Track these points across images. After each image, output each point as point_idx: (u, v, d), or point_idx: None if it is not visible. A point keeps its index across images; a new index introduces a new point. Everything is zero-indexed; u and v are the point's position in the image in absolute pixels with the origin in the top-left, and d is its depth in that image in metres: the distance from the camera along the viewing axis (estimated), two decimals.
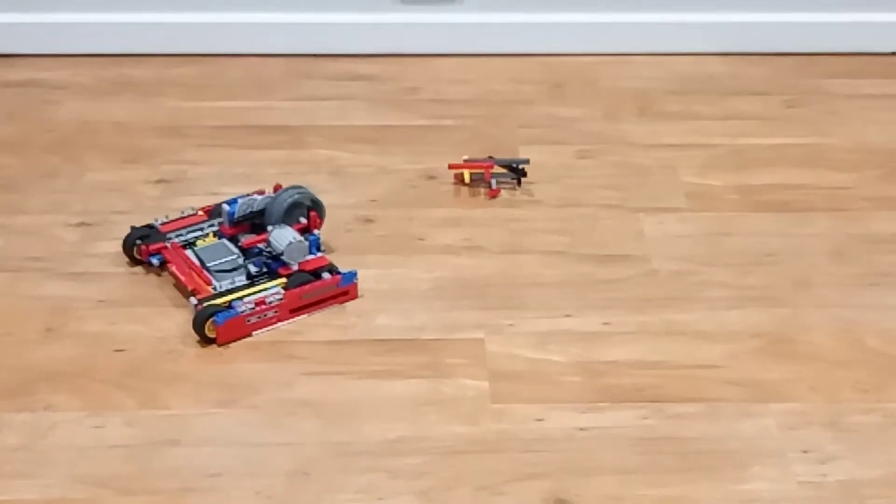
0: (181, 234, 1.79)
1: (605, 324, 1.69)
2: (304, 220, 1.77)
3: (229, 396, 1.57)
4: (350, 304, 1.71)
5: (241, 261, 1.73)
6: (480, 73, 2.29)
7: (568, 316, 1.70)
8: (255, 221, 1.78)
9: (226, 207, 1.78)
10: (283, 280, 1.69)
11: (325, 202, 1.91)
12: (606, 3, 2.32)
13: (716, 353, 1.64)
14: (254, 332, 1.66)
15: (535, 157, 2.03)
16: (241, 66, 2.31)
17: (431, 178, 1.99)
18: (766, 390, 1.58)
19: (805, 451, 1.49)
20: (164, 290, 1.73)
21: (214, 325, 1.63)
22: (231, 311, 1.63)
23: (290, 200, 1.75)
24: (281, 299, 1.66)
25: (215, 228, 1.80)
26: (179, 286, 1.73)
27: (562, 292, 1.74)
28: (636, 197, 1.95)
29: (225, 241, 1.77)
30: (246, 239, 1.75)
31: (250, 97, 2.22)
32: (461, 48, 2.33)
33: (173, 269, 1.73)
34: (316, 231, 1.76)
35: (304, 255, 1.71)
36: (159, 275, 1.76)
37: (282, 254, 1.70)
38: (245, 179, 1.97)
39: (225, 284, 1.69)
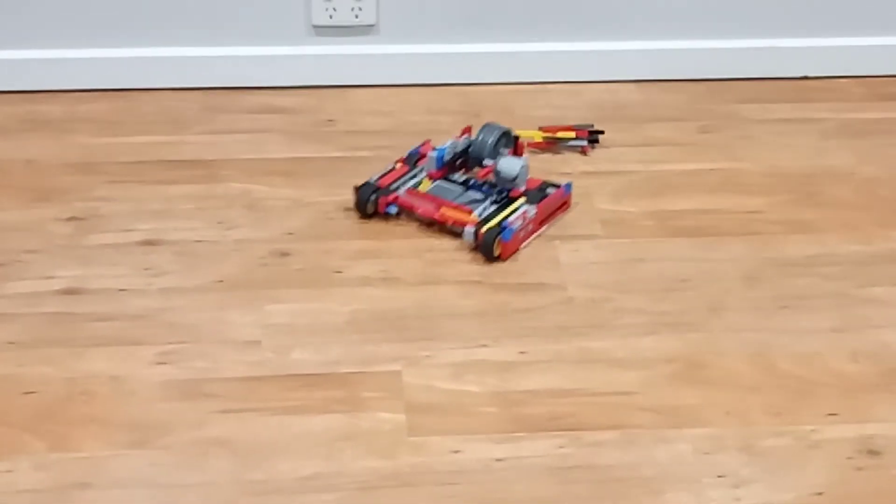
0: (403, 183, 1.98)
1: (521, 353, 1.69)
2: (511, 149, 1.99)
3: (141, 437, 1.54)
4: (265, 339, 1.70)
5: (475, 193, 1.96)
6: (397, 103, 2.29)
7: (484, 346, 1.70)
8: (458, 161, 2.01)
9: (433, 154, 1.99)
10: (524, 199, 1.92)
11: (240, 237, 1.91)
12: (521, 32, 2.33)
13: (631, 380, 1.64)
14: (521, 246, 1.88)
15: None
16: (155, 101, 2.29)
17: (348, 209, 1.99)
18: (680, 416, 1.59)
19: (719, 476, 1.50)
20: (75, 331, 1.71)
21: (501, 243, 1.84)
22: (510, 229, 1.85)
23: (495, 135, 1.98)
24: (535, 213, 1.90)
25: (424, 175, 1.99)
26: (421, 227, 1.92)
27: (478, 322, 1.75)
28: (552, 225, 1.96)
29: (441, 182, 1.98)
30: (480, 171, 2.00)
31: (164, 132, 2.20)
32: (377, 79, 2.33)
33: (419, 211, 1.92)
34: (525, 156, 1.98)
35: (527, 177, 1.96)
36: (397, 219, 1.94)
37: (514, 178, 1.93)
38: (159, 215, 1.96)
39: (484, 212, 1.90)
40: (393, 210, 1.94)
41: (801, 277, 1.84)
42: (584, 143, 2.14)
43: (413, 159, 2.03)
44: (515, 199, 1.94)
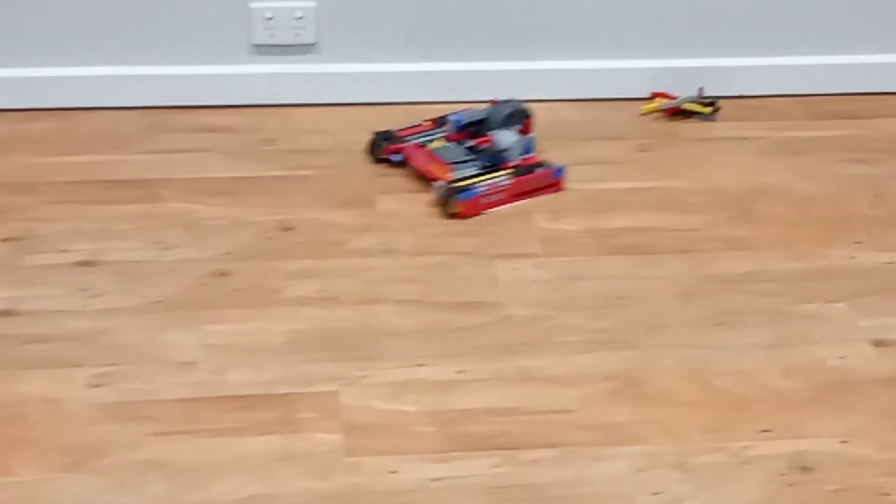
0: (417, 138, 2.15)
1: (459, 372, 1.69)
2: (519, 127, 2.12)
3: (76, 460, 1.53)
4: (202, 360, 1.69)
5: (472, 158, 2.09)
6: (339, 122, 2.29)
7: (422, 365, 1.70)
8: (476, 129, 2.13)
9: (452, 117, 2.14)
10: (509, 171, 2.05)
11: (178, 257, 1.90)
12: (462, 52, 2.34)
13: (568, 398, 1.65)
14: (486, 211, 2.01)
15: (392, 207, 2.05)
16: (95, 120, 2.27)
17: (288, 229, 1.98)
18: (617, 433, 1.60)
19: (655, 493, 1.51)
20: (10, 353, 1.69)
21: (458, 202, 1.98)
22: (471, 191, 1.99)
23: (509, 109, 2.12)
24: (509, 185, 2.03)
25: (443, 134, 2.15)
26: (419, 177, 2.07)
27: (417, 341, 1.75)
28: (491, 244, 1.97)
29: (454, 144, 2.12)
30: (476, 140, 2.11)
31: (104, 151, 2.19)
32: (318, 98, 2.33)
33: (414, 163, 2.09)
34: (530, 135, 2.12)
35: (523, 153, 2.07)
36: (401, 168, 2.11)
37: (504, 150, 2.06)
38: (97, 236, 1.94)
39: (462, 173, 2.04)
40: (396, 158, 2.12)
41: (737, 294, 1.86)
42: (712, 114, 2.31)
43: (441, 121, 2.20)
44: (503, 170, 2.06)
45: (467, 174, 2.06)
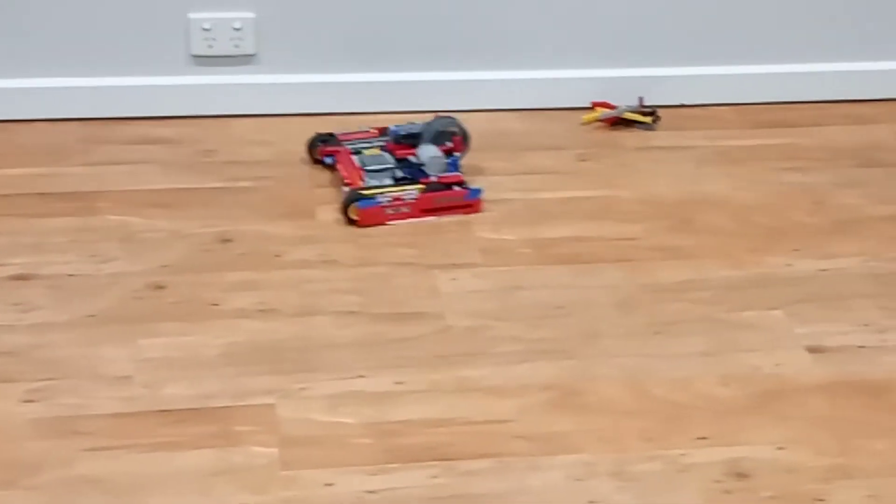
0: (353, 144, 2.17)
1: (397, 383, 1.69)
2: (449, 144, 2.14)
3: (9, 477, 1.51)
4: (137, 374, 1.68)
5: (391, 168, 2.09)
6: (279, 133, 2.28)
7: (361, 377, 1.70)
8: (413, 141, 2.14)
9: (392, 127, 2.18)
10: (422, 186, 2.04)
11: (115, 270, 1.89)
12: (403, 62, 2.34)
13: (506, 408, 1.65)
14: (389, 222, 2.02)
15: (332, 218, 2.04)
16: (33, 132, 2.25)
17: (227, 241, 1.97)
18: (554, 443, 1.60)
19: (591, 502, 1.51)
20: None
21: (357, 209, 2.00)
22: (372, 200, 2.00)
23: (441, 126, 2.14)
24: (415, 199, 2.03)
25: (382, 144, 2.17)
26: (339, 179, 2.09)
27: (355, 353, 1.74)
28: (431, 254, 1.97)
29: (385, 153, 2.14)
30: (401, 152, 2.13)
31: (42, 164, 2.16)
32: (258, 109, 2.32)
33: (339, 166, 2.11)
34: (457, 153, 2.14)
35: (443, 170, 2.07)
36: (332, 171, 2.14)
37: (424, 164, 2.07)
38: (33, 249, 1.92)
39: (372, 182, 2.06)
40: (329, 160, 2.15)
41: (675, 303, 1.87)
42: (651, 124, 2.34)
43: (385, 131, 2.21)
44: (415, 183, 2.07)
45: (378, 183, 2.06)
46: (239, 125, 2.30)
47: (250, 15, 2.27)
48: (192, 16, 2.26)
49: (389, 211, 2.02)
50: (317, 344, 1.76)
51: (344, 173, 2.10)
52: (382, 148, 2.16)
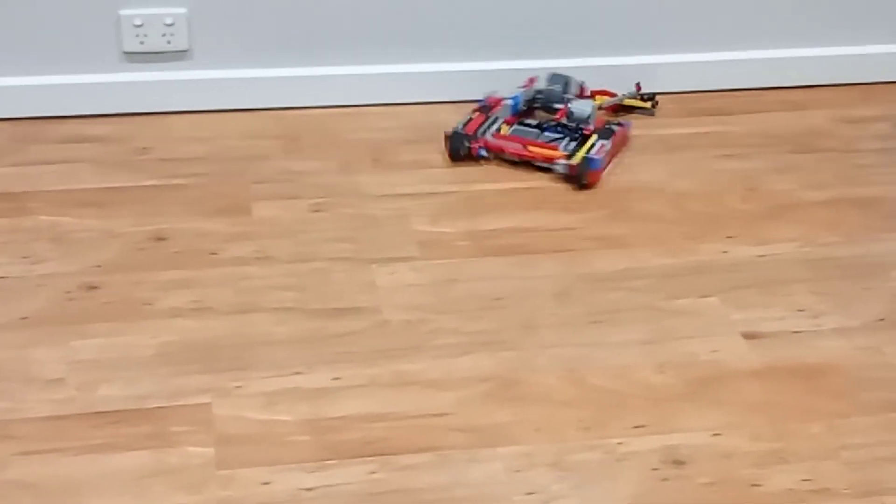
0: (484, 129, 2.21)
1: (335, 379, 1.68)
2: (577, 93, 2.28)
3: None
4: (70, 376, 1.65)
5: (552, 133, 2.20)
6: (214, 129, 2.26)
7: (298, 373, 1.69)
8: (532, 107, 2.26)
9: (508, 102, 2.24)
10: (596, 135, 2.18)
11: (46, 271, 1.86)
12: (339, 55, 2.33)
13: (445, 401, 1.65)
14: (602, 174, 2.15)
15: (268, 213, 2.02)
16: None
17: (161, 239, 1.95)
18: (493, 435, 1.60)
19: (530, 493, 1.51)
20: None
21: (592, 173, 2.10)
22: (595, 161, 2.10)
23: (565, 80, 2.26)
24: (610, 148, 2.16)
25: (501, 121, 2.23)
26: (509, 166, 2.16)
27: (292, 349, 1.73)
28: (369, 248, 1.96)
29: (518, 126, 2.22)
30: (555, 116, 2.23)
31: None
32: (193, 105, 2.29)
33: (509, 151, 2.17)
34: (593, 99, 2.28)
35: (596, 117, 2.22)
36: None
37: (587, 118, 2.19)
38: None
39: (567, 147, 2.15)
40: (484, 153, 2.18)
41: (612, 292, 1.87)
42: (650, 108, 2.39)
43: (486, 109, 2.26)
44: (588, 136, 2.18)
45: (572, 147, 2.16)
46: (174, 122, 2.27)
47: (182, 10, 2.24)
48: (123, 12, 2.23)
49: (602, 164, 2.15)
50: (253, 341, 1.74)
51: (524, 154, 2.15)
52: (508, 123, 2.23)
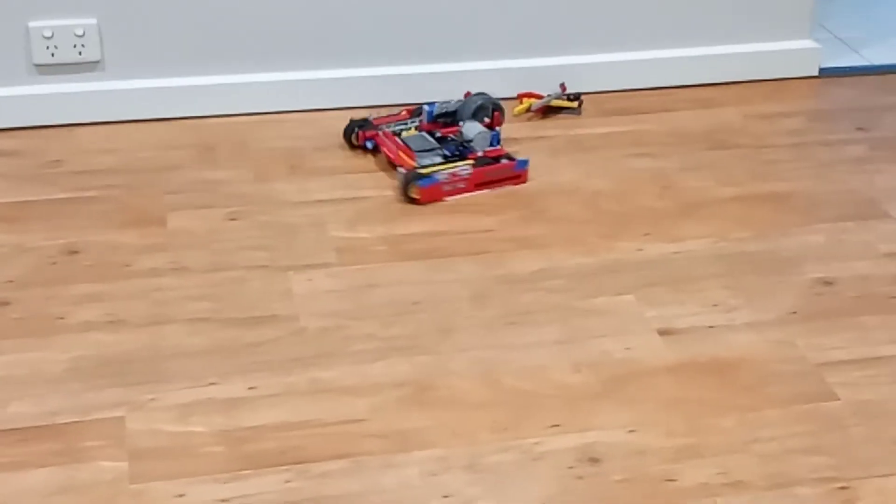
0: (390, 127, 2.23)
1: (250, 388, 1.67)
2: (487, 120, 2.24)
3: None
4: None
5: (438, 147, 2.17)
6: (127, 140, 2.24)
7: (213, 384, 1.67)
8: (448, 120, 2.24)
9: (426, 108, 2.25)
10: (472, 161, 2.12)
11: None
12: (253, 63, 2.32)
13: (360, 407, 1.65)
14: (446, 199, 2.09)
15: (183, 224, 2.01)
16: None
17: (73, 252, 1.93)
18: (408, 439, 1.60)
19: (445, 497, 1.51)
20: None
21: (418, 188, 2.06)
22: (431, 178, 2.07)
23: (478, 102, 2.23)
24: (469, 174, 2.11)
25: (416, 124, 2.24)
26: (387, 164, 2.17)
27: (207, 360, 1.72)
28: (285, 256, 1.95)
29: (424, 133, 2.21)
30: (443, 130, 2.21)
31: None
32: (105, 116, 2.28)
33: (384, 150, 2.17)
34: (497, 128, 2.23)
35: (488, 145, 2.15)
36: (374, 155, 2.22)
37: (471, 141, 2.16)
38: None
39: (425, 161, 2.13)
40: (369, 145, 2.21)
41: (528, 293, 1.88)
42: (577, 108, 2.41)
43: (417, 113, 2.28)
44: (467, 160, 2.14)
45: (431, 162, 2.12)
46: (86, 134, 2.25)
47: (92, 21, 2.22)
48: (32, 24, 2.20)
49: (447, 187, 2.10)
50: (167, 353, 1.73)
51: (391, 155, 2.16)
52: (417, 128, 2.24)
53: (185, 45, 2.28)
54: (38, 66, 2.24)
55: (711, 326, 1.82)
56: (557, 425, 1.63)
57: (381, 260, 1.96)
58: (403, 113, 2.28)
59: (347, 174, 2.17)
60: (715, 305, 1.87)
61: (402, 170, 2.11)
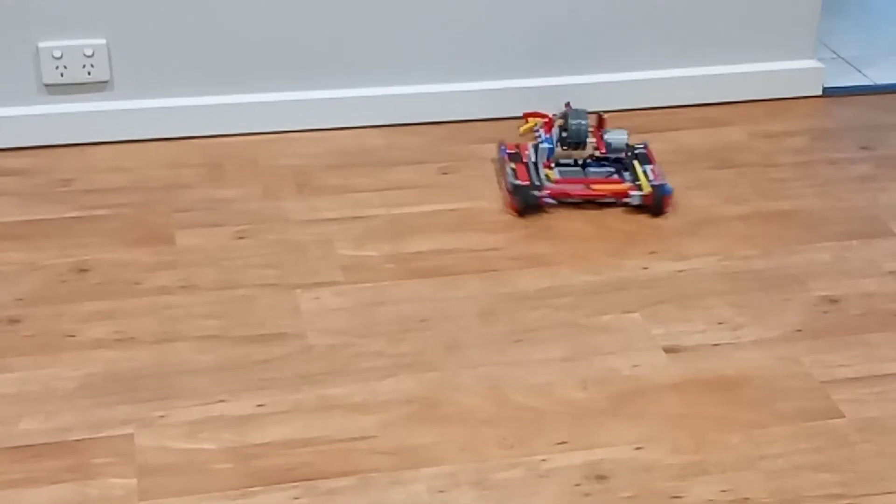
0: (535, 178, 2.16)
1: (259, 406, 1.68)
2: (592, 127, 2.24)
3: None
4: None
5: (596, 168, 2.22)
6: (137, 159, 2.26)
7: (221, 401, 1.69)
8: (571, 141, 2.20)
9: (543, 146, 2.20)
10: (636, 161, 2.20)
11: None
12: (261, 82, 2.34)
13: (368, 424, 1.66)
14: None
15: (192, 242, 2.02)
16: None
17: (83, 270, 1.94)
18: (416, 456, 1.60)
19: None
20: None
21: (664, 197, 2.13)
22: (667, 186, 2.14)
23: (583, 113, 2.20)
24: (658, 168, 2.21)
25: (541, 165, 2.20)
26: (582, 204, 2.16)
27: (216, 377, 1.73)
28: (293, 274, 1.96)
29: (559, 167, 2.21)
30: (597, 151, 2.22)
31: None
32: (115, 135, 2.29)
33: (574, 194, 2.15)
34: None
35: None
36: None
37: (623, 147, 2.21)
38: None
39: (630, 178, 2.18)
40: (550, 200, 2.15)
41: (535, 310, 1.89)
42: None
43: (516, 157, 2.23)
44: (628, 164, 2.20)
45: (630, 178, 2.18)
46: (96, 153, 2.27)
47: (101, 41, 2.24)
48: (41, 44, 2.22)
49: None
50: (176, 370, 1.74)
51: (602, 190, 2.15)
52: (546, 167, 2.20)
53: (193, 65, 2.30)
54: (47, 85, 2.26)
55: (717, 344, 1.83)
56: (565, 442, 1.63)
57: (389, 278, 1.97)
58: (517, 165, 2.19)
59: (355, 193, 2.19)
60: (721, 323, 1.88)
61: (635, 193, 2.13)
